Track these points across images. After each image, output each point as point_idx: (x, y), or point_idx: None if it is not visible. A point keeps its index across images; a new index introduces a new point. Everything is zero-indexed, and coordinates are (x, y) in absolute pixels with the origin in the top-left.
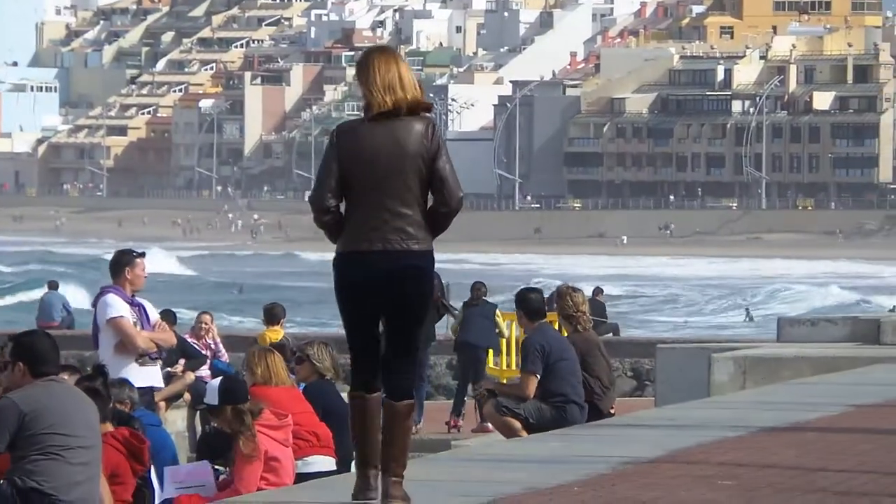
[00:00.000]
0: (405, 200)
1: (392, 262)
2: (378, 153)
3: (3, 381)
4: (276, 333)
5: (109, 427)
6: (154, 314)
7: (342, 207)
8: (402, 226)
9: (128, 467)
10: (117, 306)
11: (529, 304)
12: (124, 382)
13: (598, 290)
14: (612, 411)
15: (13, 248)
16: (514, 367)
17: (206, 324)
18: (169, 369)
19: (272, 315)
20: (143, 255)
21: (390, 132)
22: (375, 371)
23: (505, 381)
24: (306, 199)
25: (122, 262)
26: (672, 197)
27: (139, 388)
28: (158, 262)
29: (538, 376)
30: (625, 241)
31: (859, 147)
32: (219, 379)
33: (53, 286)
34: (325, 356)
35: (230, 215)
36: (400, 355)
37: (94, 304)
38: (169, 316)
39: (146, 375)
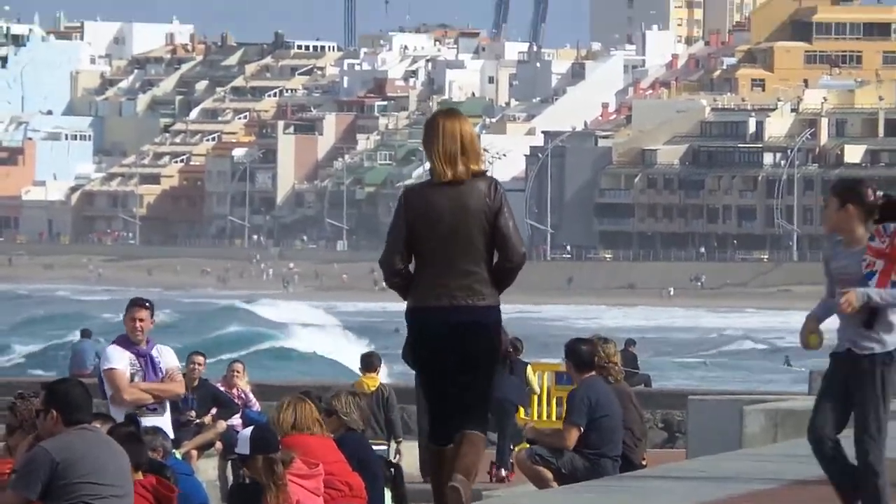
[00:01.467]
0: (471, 257)
1: (458, 318)
2: (443, 213)
3: (36, 429)
4: (374, 381)
5: (139, 476)
6: (170, 363)
7: (412, 266)
8: (468, 283)
9: None
10: (112, 357)
11: (579, 355)
12: (157, 431)
13: (630, 342)
14: (644, 462)
15: (45, 293)
16: (544, 417)
17: (237, 372)
18: (197, 420)
19: (369, 363)
20: (141, 303)
21: (456, 192)
22: (448, 423)
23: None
24: (339, 247)
25: (126, 309)
26: (703, 249)
27: None
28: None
29: (581, 429)
30: (671, 293)
31: None
32: (250, 428)
33: (86, 334)
34: (353, 409)
35: (262, 264)
36: (472, 407)
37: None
38: (196, 357)
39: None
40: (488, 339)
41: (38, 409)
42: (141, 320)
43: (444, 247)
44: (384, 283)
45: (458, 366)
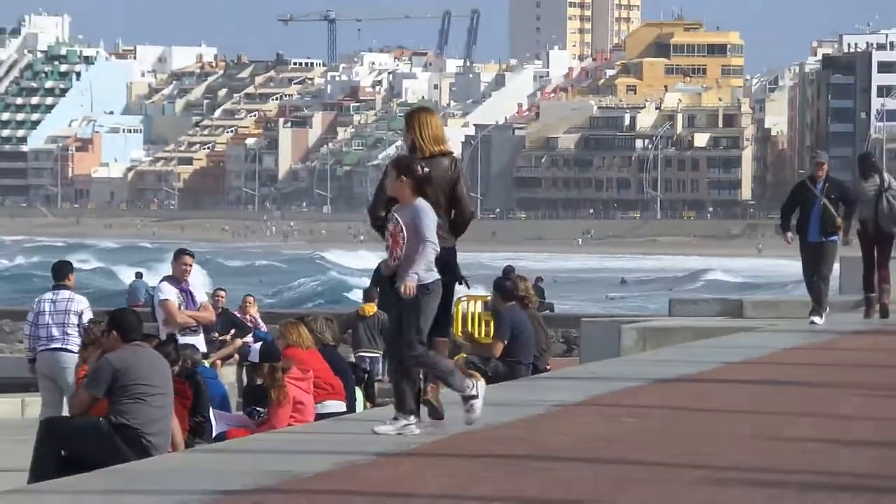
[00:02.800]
0: (436, 212)
1: None
2: None
3: (103, 346)
4: (372, 308)
5: None
6: (202, 297)
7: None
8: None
9: (179, 402)
10: (166, 291)
11: (504, 289)
12: (188, 346)
13: (539, 279)
14: (548, 368)
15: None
16: (477, 335)
17: (249, 303)
18: (220, 338)
19: (368, 296)
20: (188, 252)
21: (428, 165)
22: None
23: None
24: (325, 210)
25: (174, 257)
26: (591, 210)
27: None
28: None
29: (505, 343)
30: (580, 242)
31: (727, 174)
32: (260, 343)
33: (139, 276)
34: (325, 329)
35: (268, 223)
36: (439, 319)
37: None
38: (220, 291)
39: (188, 342)
40: (451, 270)
41: (103, 330)
42: (188, 265)
43: None
44: (371, 227)
45: None
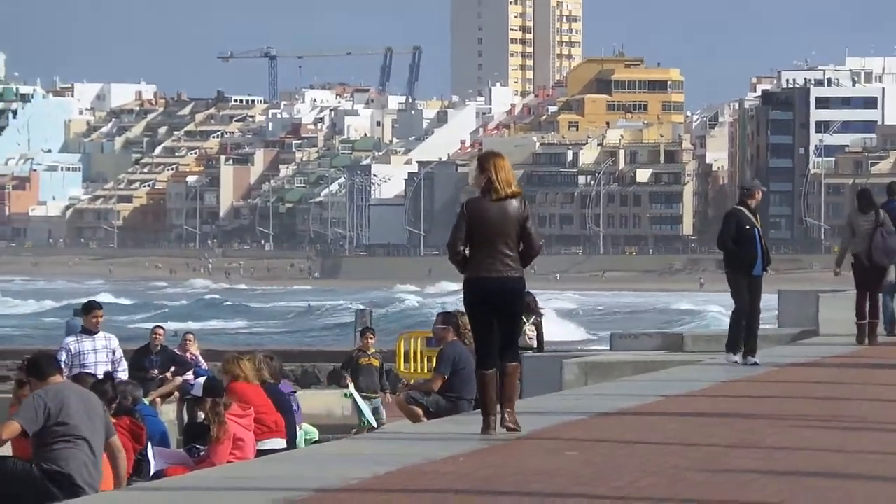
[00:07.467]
0: (508, 246)
1: (502, 284)
2: (493, 218)
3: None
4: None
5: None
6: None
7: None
8: (506, 262)
9: (130, 446)
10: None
11: (453, 324)
12: (129, 383)
13: None
14: None
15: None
16: (419, 370)
17: (189, 341)
18: (160, 376)
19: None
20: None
21: (501, 206)
22: (493, 354)
23: (414, 381)
24: (267, 248)
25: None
26: None
27: None
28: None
29: (446, 378)
30: (558, 278)
31: (669, 209)
32: (203, 378)
33: (77, 313)
34: (264, 366)
35: (210, 261)
36: (508, 340)
37: None
38: (158, 329)
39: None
40: (521, 295)
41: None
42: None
43: (491, 238)
44: (449, 260)
45: (500, 315)
